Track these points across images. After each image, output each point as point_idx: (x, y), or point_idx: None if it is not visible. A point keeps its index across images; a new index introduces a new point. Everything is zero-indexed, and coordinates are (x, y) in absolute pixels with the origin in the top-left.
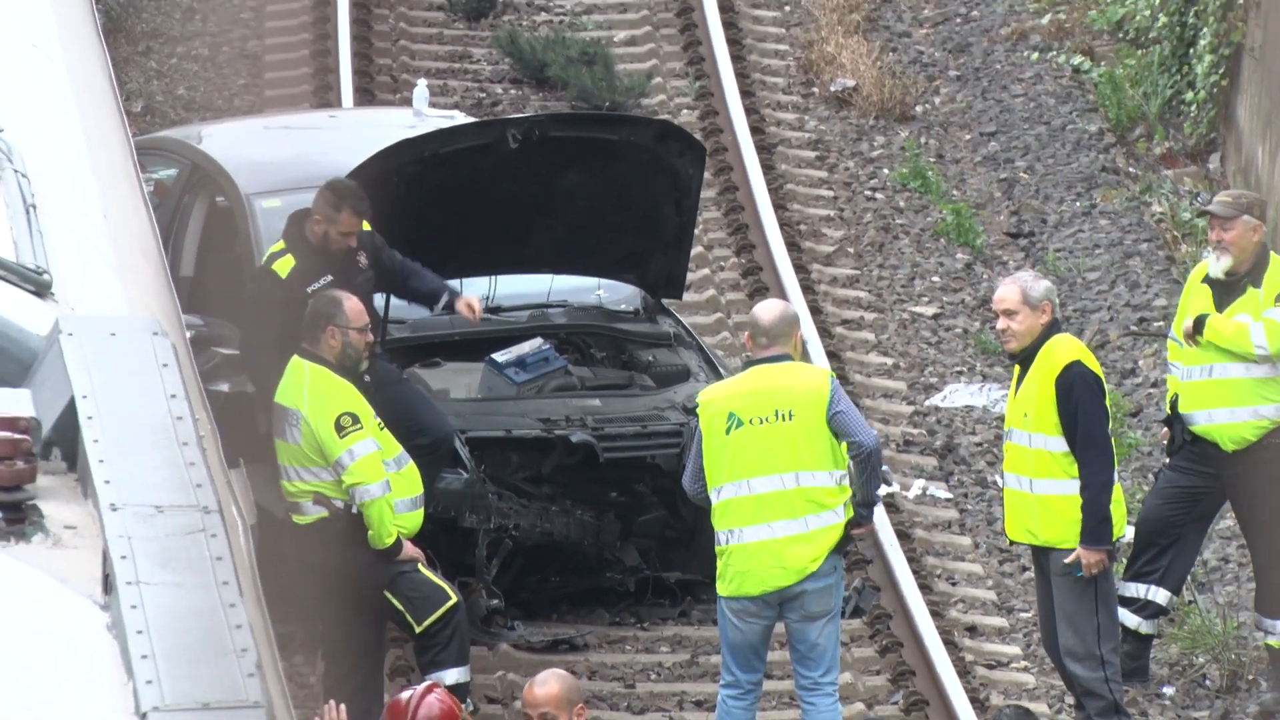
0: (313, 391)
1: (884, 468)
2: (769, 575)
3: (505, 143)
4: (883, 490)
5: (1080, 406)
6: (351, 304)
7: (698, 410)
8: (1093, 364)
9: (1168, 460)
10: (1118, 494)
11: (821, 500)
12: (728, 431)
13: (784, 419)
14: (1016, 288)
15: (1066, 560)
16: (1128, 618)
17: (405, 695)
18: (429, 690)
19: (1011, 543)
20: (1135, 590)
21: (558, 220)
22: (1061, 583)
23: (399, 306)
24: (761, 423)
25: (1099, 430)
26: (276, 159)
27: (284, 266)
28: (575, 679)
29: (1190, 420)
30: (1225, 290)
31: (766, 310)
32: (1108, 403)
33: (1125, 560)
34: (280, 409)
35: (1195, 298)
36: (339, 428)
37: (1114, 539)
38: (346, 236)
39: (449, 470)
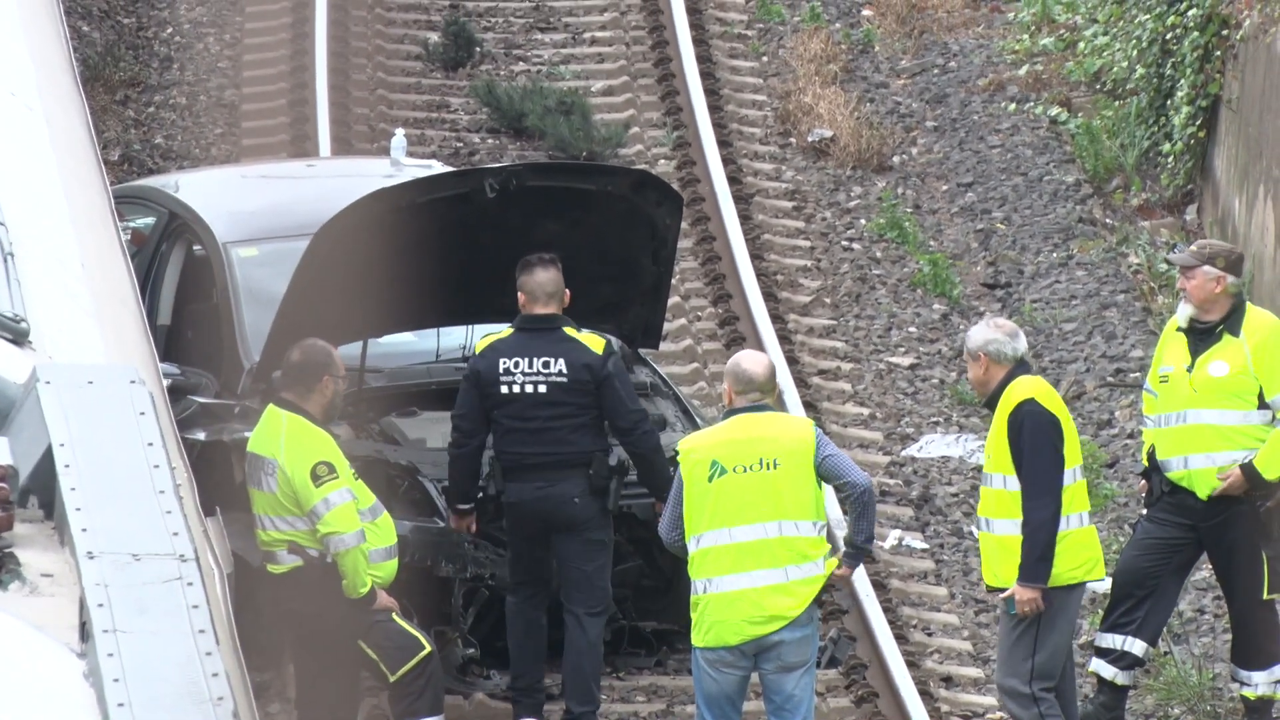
0: (290, 440)
1: None
2: (747, 625)
3: (483, 192)
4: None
5: (1026, 443)
6: (337, 353)
7: (678, 458)
8: (1050, 403)
9: (1145, 511)
10: (1092, 539)
11: (804, 551)
12: (710, 479)
13: (769, 468)
14: (967, 337)
15: (1002, 595)
16: (1104, 668)
17: None
18: None
19: (990, 590)
20: (1111, 641)
21: None
22: (1005, 620)
23: (375, 355)
24: (745, 471)
25: (1042, 467)
26: (254, 208)
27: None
28: None
29: (1166, 467)
30: (1200, 338)
31: (755, 363)
32: (1073, 446)
33: (1102, 610)
34: (255, 458)
35: (1171, 346)
36: (315, 476)
37: (1080, 582)
38: None
39: (424, 518)
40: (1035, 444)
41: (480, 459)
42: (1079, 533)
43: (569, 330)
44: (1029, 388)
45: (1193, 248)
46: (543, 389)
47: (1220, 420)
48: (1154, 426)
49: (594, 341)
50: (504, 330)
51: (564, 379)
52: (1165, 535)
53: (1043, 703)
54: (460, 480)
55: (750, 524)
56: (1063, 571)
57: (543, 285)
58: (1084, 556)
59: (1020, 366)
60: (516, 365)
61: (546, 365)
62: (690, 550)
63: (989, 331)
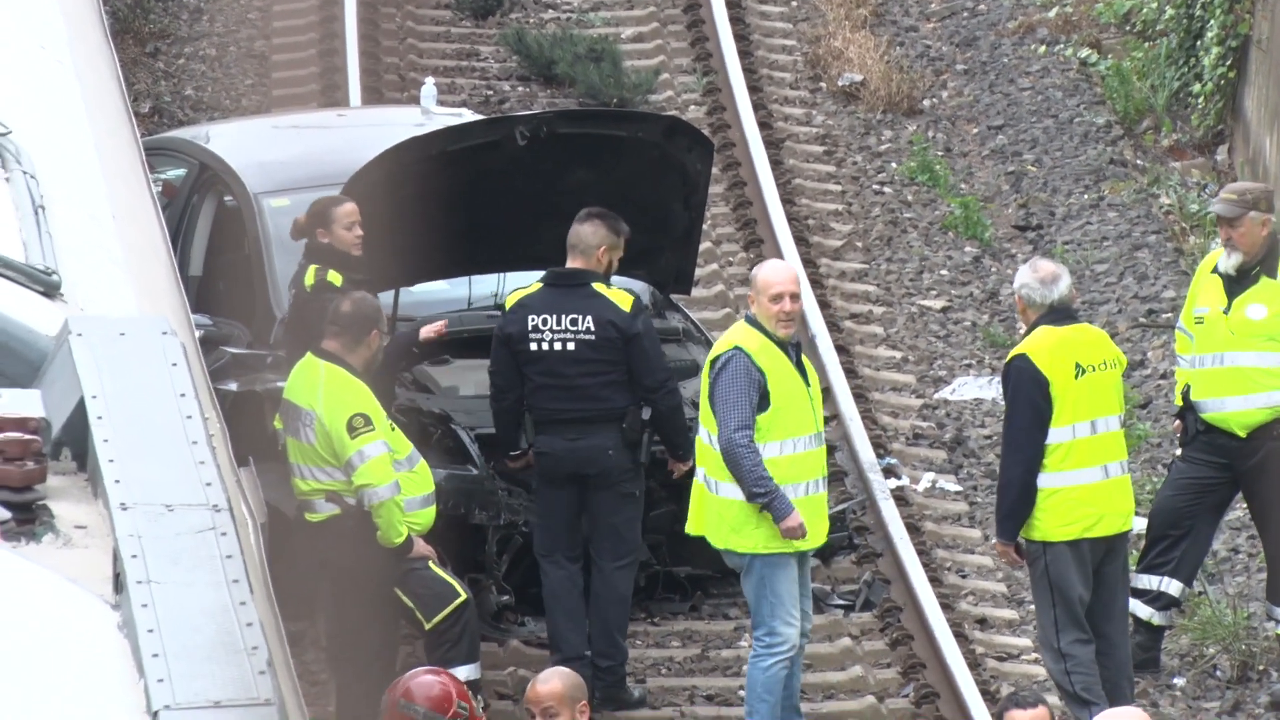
0: (328, 391)
1: (893, 460)
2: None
3: (513, 140)
4: (891, 483)
5: (1008, 399)
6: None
7: None
8: (1042, 360)
9: (1180, 451)
10: (1094, 496)
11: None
12: None
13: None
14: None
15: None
16: (1140, 609)
17: (405, 675)
18: (428, 671)
19: None
20: (1148, 582)
21: (566, 217)
22: (1029, 574)
23: (406, 304)
24: None
25: (1017, 425)
26: (284, 158)
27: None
28: (579, 676)
29: (1202, 408)
30: (1236, 281)
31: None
32: (1081, 403)
33: (1138, 552)
34: (293, 408)
35: (1205, 288)
36: (351, 428)
37: (1080, 538)
38: None
39: (458, 466)
40: (1012, 401)
41: (520, 411)
42: (1074, 489)
43: (598, 286)
44: (1028, 342)
45: (1230, 196)
46: (570, 346)
47: (1259, 363)
48: (1189, 367)
49: (622, 298)
50: (532, 285)
51: (591, 336)
52: (1200, 475)
53: (1069, 659)
54: (504, 431)
55: None
56: (1054, 528)
57: (582, 237)
58: (1079, 514)
59: (1048, 315)
60: (545, 323)
61: (574, 323)
62: None
63: (1024, 274)
